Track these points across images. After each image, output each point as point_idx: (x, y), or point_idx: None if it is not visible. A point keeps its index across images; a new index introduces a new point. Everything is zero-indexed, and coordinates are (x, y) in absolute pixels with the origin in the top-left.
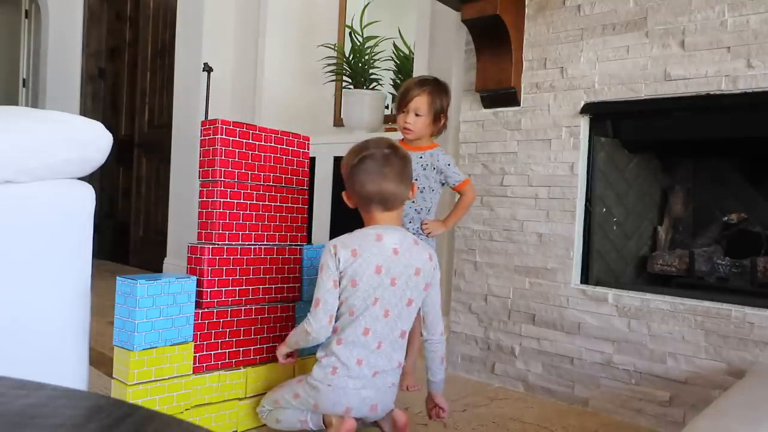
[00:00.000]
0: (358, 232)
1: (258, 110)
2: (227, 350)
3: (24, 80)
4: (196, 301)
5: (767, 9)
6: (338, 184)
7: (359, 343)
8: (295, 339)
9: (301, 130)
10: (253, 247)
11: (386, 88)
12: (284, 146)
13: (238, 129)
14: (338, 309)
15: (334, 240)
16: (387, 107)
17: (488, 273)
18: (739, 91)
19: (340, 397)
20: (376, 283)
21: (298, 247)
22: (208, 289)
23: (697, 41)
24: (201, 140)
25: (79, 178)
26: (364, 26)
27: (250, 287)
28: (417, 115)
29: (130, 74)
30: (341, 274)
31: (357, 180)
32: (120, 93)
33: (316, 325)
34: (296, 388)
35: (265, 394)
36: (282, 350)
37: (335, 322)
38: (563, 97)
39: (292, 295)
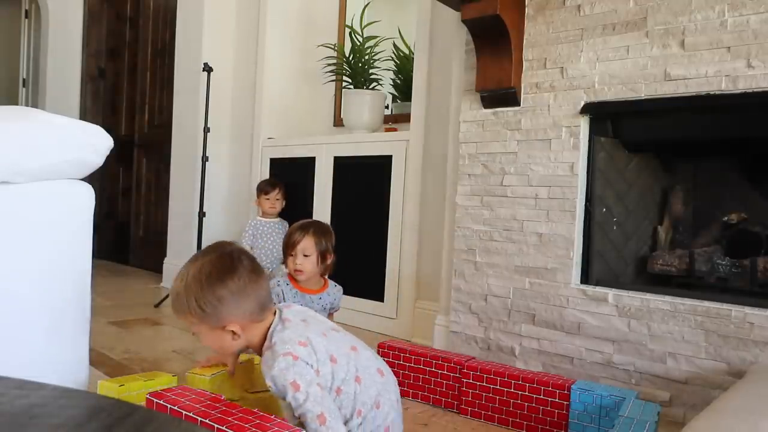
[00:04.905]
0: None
1: (258, 110)
2: None
3: (24, 80)
4: None
5: (767, 9)
6: (338, 183)
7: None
8: None
9: (301, 130)
10: None
11: (386, 88)
12: None
13: None
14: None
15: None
16: (387, 107)
17: (488, 273)
18: (739, 91)
19: None
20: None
21: None
22: None
23: (697, 41)
24: None
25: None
26: (364, 26)
27: None
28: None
29: (130, 74)
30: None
31: (250, 291)
32: (120, 93)
33: None
34: None
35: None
36: None
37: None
38: (563, 97)
39: None
